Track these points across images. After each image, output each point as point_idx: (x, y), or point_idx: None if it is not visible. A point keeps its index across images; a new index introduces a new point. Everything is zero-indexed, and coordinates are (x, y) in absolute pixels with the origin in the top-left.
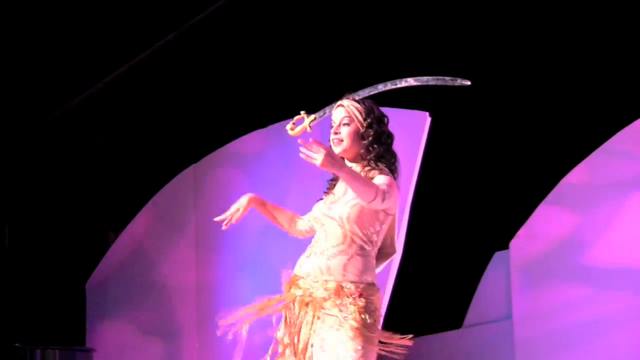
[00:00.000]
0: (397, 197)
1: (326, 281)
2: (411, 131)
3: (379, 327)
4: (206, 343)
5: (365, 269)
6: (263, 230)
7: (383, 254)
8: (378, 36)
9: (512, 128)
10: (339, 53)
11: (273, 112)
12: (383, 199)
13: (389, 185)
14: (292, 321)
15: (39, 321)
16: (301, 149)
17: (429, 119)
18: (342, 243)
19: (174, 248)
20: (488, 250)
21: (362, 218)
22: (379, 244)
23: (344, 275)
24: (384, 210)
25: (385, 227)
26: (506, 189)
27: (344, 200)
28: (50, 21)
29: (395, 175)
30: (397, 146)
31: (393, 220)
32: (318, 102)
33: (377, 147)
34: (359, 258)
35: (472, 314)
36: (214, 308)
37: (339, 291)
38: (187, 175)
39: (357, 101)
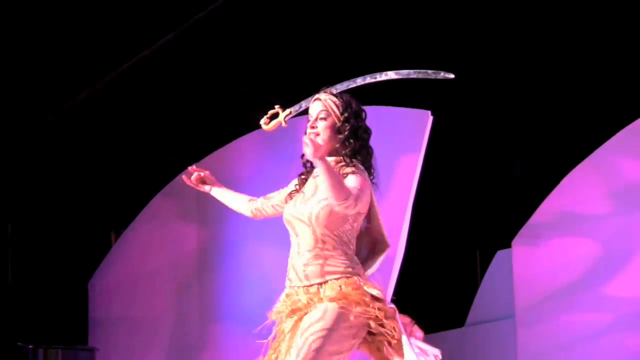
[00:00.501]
0: (369, 196)
1: (307, 287)
2: (413, 130)
3: (368, 315)
4: (209, 342)
5: (345, 265)
6: (267, 230)
7: (376, 250)
8: (376, 33)
9: (514, 127)
10: (345, 54)
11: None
12: (355, 204)
13: (361, 189)
14: (279, 332)
15: (42, 320)
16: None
17: (431, 118)
18: (315, 246)
19: (176, 246)
20: (490, 249)
21: (332, 218)
22: (353, 241)
23: (324, 279)
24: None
25: (357, 225)
26: (508, 188)
27: (314, 200)
28: (50, 20)
29: (372, 171)
30: (399, 144)
31: (375, 217)
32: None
33: (353, 142)
34: (336, 258)
35: (475, 312)
36: (217, 307)
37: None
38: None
39: (335, 95)
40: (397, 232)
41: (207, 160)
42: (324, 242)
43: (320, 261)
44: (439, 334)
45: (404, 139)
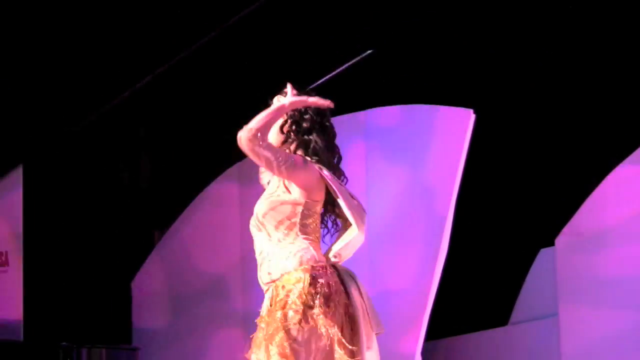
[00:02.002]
0: (308, 176)
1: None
2: (455, 128)
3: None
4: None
5: (285, 262)
6: None
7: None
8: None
9: (557, 124)
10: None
11: None
12: (283, 161)
13: (291, 159)
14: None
15: (85, 320)
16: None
17: (473, 116)
18: (262, 246)
19: (219, 245)
20: (533, 247)
21: (275, 210)
22: (301, 233)
23: (270, 281)
24: (302, 192)
25: (310, 212)
26: (551, 186)
27: (262, 198)
28: (77, 30)
29: (325, 163)
30: (441, 143)
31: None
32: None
33: (294, 136)
34: (277, 256)
35: (518, 311)
36: (260, 306)
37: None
38: (231, 173)
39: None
40: (440, 231)
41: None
42: (270, 237)
43: (269, 260)
44: (482, 333)
45: (447, 138)
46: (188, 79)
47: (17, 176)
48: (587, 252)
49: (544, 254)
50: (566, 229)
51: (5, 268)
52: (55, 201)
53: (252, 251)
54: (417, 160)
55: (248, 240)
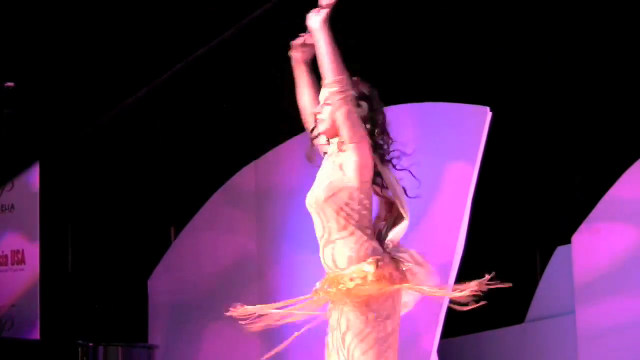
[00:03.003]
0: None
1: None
2: (472, 126)
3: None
4: (269, 338)
5: (357, 251)
6: None
7: (395, 223)
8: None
9: (573, 121)
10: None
11: None
12: (345, 102)
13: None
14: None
15: (102, 318)
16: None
17: (489, 114)
18: (325, 231)
19: (236, 243)
20: (550, 244)
21: (335, 195)
22: (367, 217)
23: (336, 268)
24: (358, 178)
25: (365, 197)
26: (568, 183)
27: (317, 184)
28: (102, 25)
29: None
30: (457, 141)
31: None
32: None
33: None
34: (345, 241)
35: (535, 308)
36: (277, 302)
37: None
38: (248, 172)
39: None
40: (456, 229)
41: (269, 155)
42: (333, 224)
43: (331, 247)
44: (498, 330)
45: (463, 136)
46: (205, 75)
47: (33, 174)
48: (603, 249)
49: (560, 251)
50: (583, 227)
51: (22, 266)
52: (72, 199)
53: (269, 248)
54: (433, 158)
55: (264, 237)
